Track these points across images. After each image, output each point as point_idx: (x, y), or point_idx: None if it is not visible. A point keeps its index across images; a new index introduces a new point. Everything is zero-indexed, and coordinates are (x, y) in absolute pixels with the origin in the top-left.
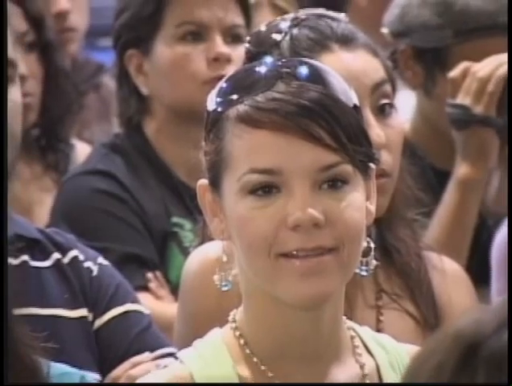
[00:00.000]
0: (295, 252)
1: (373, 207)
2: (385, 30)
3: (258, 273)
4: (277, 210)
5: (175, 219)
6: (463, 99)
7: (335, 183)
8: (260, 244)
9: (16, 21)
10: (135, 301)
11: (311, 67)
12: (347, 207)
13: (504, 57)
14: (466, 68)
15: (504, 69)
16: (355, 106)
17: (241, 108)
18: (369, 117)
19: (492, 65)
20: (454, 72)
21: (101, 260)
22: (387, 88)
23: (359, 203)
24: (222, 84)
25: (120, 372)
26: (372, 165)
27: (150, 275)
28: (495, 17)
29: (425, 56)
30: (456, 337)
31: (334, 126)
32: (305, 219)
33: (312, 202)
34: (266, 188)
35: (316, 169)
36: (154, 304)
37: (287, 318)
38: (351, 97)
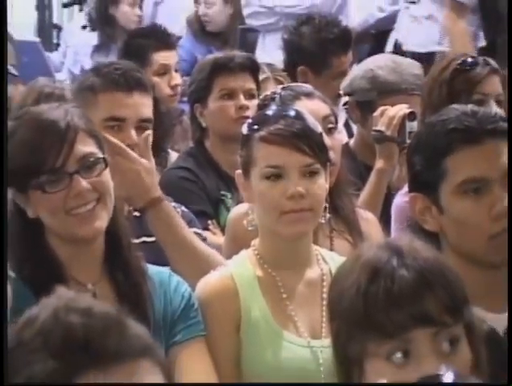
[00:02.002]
0: (289, 211)
1: (327, 186)
2: (341, 92)
3: (268, 222)
4: (280, 188)
5: (222, 192)
6: (380, 127)
7: (311, 174)
8: (270, 207)
9: None
10: (199, 228)
11: (296, 111)
12: (318, 188)
13: (403, 106)
14: (383, 111)
15: (402, 112)
16: (320, 133)
17: (261, 133)
18: (322, 134)
19: (396, 110)
20: (376, 113)
21: (184, 208)
22: (332, 118)
23: (323, 185)
24: (250, 120)
25: None
26: (328, 163)
27: (209, 221)
28: (400, 85)
29: (362, 106)
30: (364, 263)
31: (311, 143)
32: (296, 193)
33: (300, 184)
34: (274, 176)
35: (302, 166)
36: (212, 237)
37: (283, 244)
38: (318, 127)
